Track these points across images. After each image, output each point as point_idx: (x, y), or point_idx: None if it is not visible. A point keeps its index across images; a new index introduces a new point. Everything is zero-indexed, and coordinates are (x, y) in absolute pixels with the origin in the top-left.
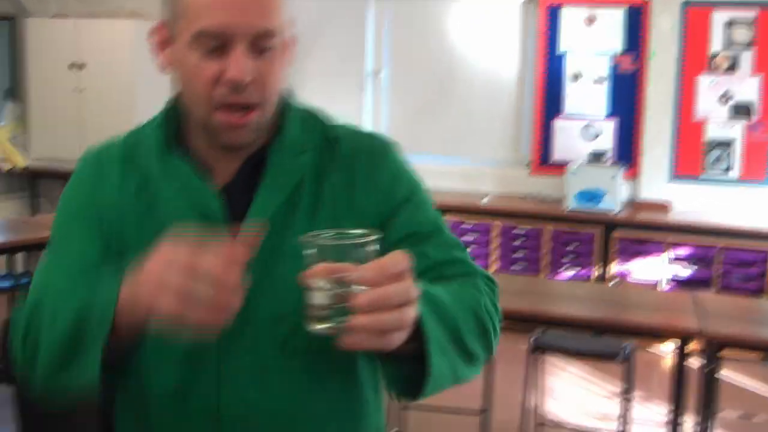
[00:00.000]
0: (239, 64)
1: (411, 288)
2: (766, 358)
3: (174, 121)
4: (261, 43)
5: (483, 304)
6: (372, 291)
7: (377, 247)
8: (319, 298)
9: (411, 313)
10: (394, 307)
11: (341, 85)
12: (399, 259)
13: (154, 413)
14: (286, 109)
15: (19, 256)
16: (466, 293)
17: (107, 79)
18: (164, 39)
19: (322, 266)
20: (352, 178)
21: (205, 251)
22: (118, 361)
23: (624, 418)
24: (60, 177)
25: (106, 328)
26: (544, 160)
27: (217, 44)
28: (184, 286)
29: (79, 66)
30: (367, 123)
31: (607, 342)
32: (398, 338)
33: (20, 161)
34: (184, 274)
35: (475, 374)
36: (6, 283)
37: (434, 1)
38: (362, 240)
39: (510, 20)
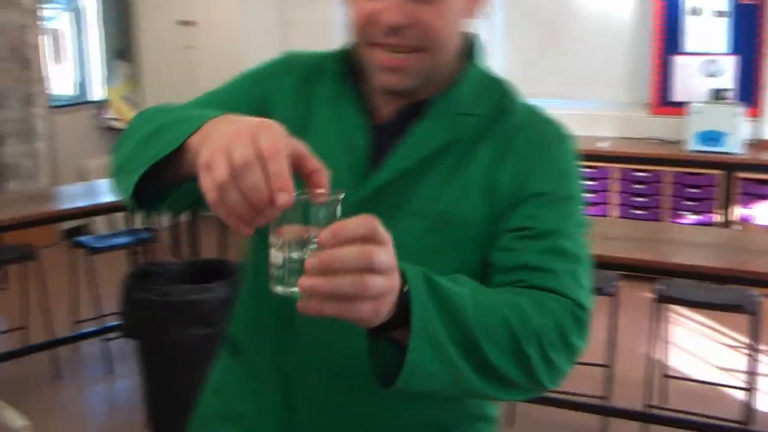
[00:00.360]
0: (390, 5)
1: (376, 253)
2: None
3: (353, 55)
4: None
5: (534, 326)
6: (324, 252)
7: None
8: (276, 257)
9: (377, 281)
10: (352, 272)
11: None
12: (362, 222)
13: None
14: (466, 66)
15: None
16: (513, 306)
17: (217, 36)
18: None
19: (284, 225)
20: (504, 152)
21: (267, 162)
22: (171, 189)
23: (751, 373)
24: None
25: (167, 148)
26: (664, 100)
27: None
28: (223, 183)
29: (189, 23)
30: None
31: (733, 292)
32: (367, 310)
33: None
34: (230, 172)
35: (507, 396)
36: (125, 239)
37: None
38: (326, 199)
39: None
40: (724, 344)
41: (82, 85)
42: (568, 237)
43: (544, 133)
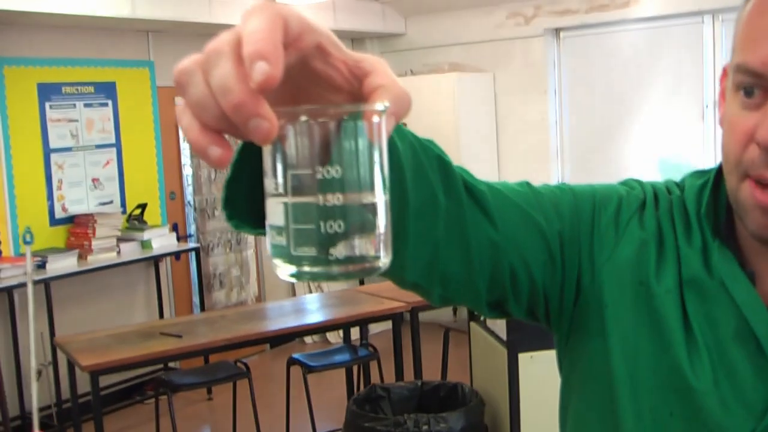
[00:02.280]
0: None
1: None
2: None
3: (719, 190)
4: None
5: None
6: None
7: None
8: (275, 210)
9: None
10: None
11: (678, 115)
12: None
13: None
14: None
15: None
16: None
17: (430, 136)
18: (725, 86)
19: None
20: None
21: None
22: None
23: None
24: None
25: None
26: None
27: (758, 88)
28: (185, 70)
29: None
30: (708, 158)
31: None
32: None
33: None
34: (198, 63)
35: None
36: (343, 358)
37: None
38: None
39: None
40: None
41: None
42: None
43: None
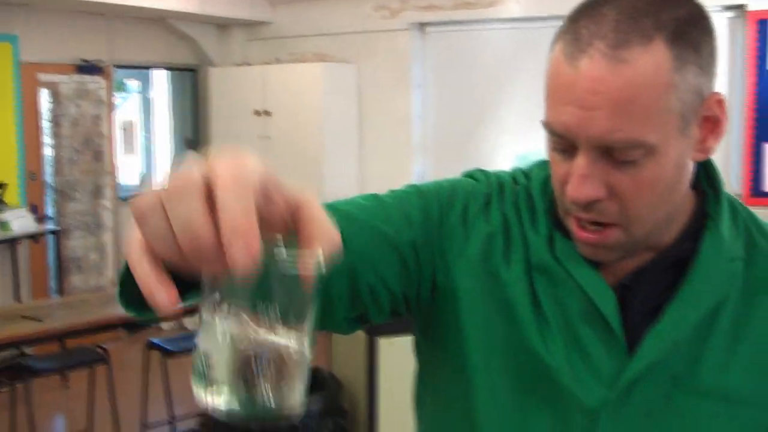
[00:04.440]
0: (576, 179)
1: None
2: None
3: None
4: (618, 154)
5: None
6: None
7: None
8: (207, 338)
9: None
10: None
11: (538, 114)
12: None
13: None
14: (714, 199)
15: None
16: None
17: (294, 125)
18: None
19: None
20: None
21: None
22: None
23: None
24: None
25: None
26: (757, 190)
27: (564, 142)
28: (148, 206)
29: (264, 113)
30: None
31: None
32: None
33: None
34: (159, 199)
35: None
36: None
37: None
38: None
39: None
40: None
41: (148, 176)
42: None
43: None
